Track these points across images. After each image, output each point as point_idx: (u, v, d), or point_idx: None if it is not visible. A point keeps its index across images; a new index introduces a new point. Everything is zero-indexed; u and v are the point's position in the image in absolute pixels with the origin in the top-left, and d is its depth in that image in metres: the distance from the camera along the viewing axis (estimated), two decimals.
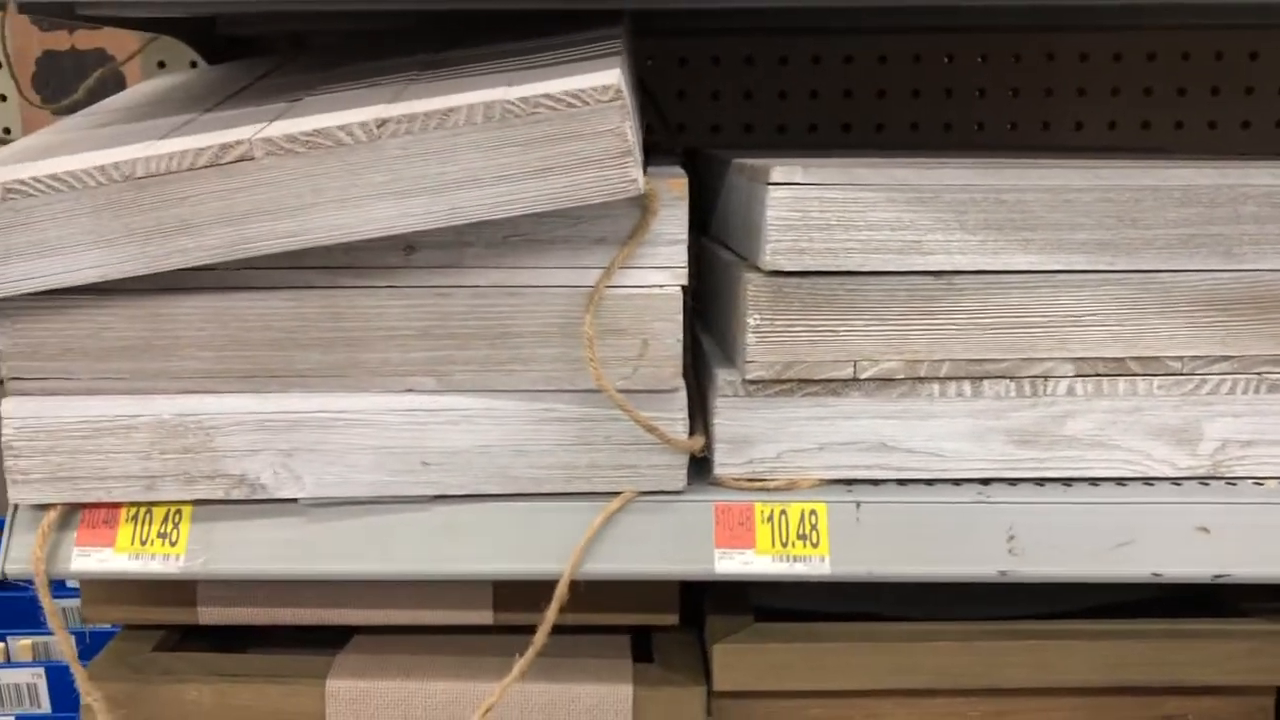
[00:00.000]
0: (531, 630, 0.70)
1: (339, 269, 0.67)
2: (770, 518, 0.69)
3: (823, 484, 0.71)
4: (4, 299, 0.66)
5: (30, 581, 0.68)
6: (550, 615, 0.68)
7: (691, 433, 0.70)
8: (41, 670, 0.87)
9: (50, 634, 0.93)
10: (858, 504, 0.69)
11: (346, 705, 0.75)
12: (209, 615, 0.78)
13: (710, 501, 0.70)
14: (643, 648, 0.81)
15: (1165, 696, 0.81)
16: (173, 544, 0.69)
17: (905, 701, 0.81)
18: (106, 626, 0.93)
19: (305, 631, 0.82)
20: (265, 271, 0.67)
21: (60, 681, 0.87)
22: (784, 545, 0.69)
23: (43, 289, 0.65)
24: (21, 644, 0.89)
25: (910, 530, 0.69)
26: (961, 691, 0.80)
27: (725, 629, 0.78)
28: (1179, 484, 0.71)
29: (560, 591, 0.68)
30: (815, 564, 0.68)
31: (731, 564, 0.68)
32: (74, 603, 0.87)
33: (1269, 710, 0.82)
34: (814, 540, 0.69)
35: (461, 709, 0.74)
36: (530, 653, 0.69)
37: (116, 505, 0.69)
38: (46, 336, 0.67)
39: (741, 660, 0.76)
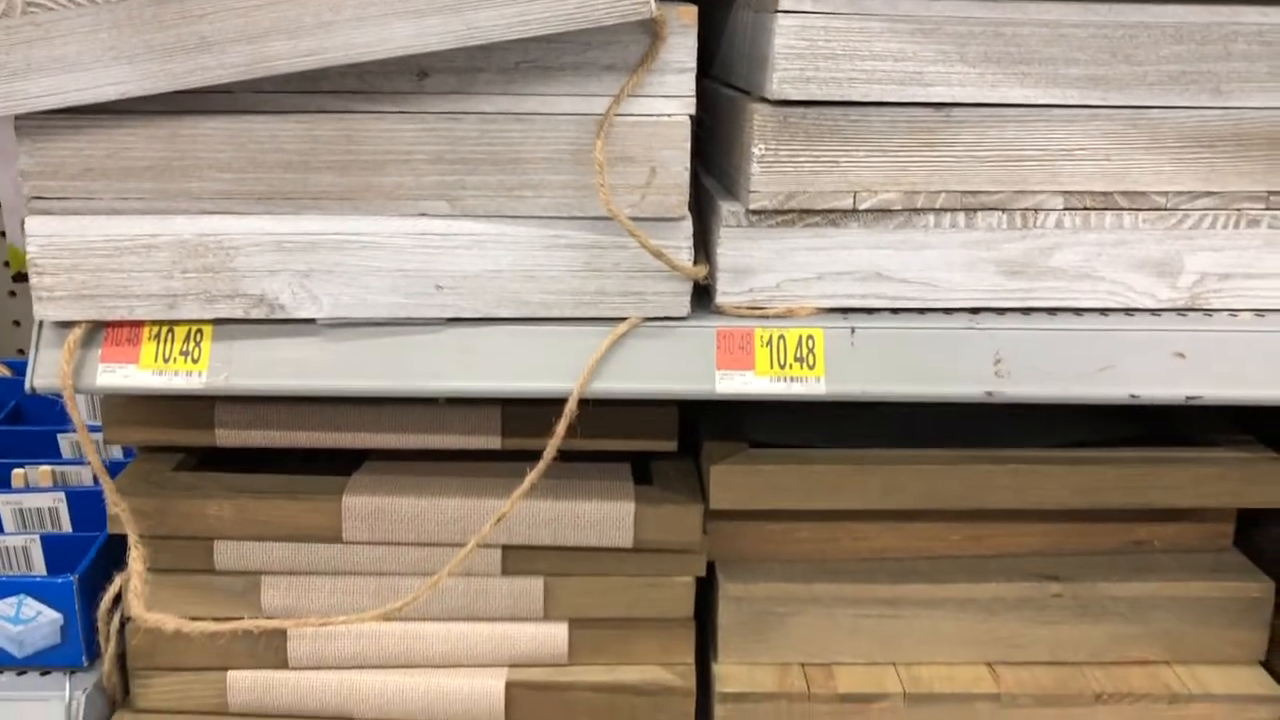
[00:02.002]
0: (538, 456, 0.73)
1: (351, 94, 0.69)
2: (769, 342, 0.72)
3: (820, 312, 0.74)
4: (25, 116, 0.67)
5: (58, 395, 0.71)
6: (560, 430, 0.72)
7: (694, 264, 0.73)
8: (62, 495, 0.90)
9: (68, 463, 0.96)
10: (852, 329, 0.72)
11: (362, 520, 0.79)
12: (226, 438, 0.81)
13: (712, 327, 0.73)
14: (643, 474, 0.85)
15: (1134, 523, 0.87)
16: (195, 361, 0.72)
17: (890, 525, 0.86)
18: (123, 460, 0.97)
19: (317, 461, 0.85)
20: (280, 95, 0.68)
21: (80, 505, 0.90)
22: (782, 367, 0.72)
23: (63, 106, 0.66)
24: (41, 470, 0.92)
25: (902, 353, 0.72)
26: (944, 515, 0.85)
27: (722, 453, 0.82)
28: (1158, 314, 0.74)
29: (569, 408, 0.71)
30: (811, 384, 0.72)
31: (732, 384, 0.72)
32: (95, 437, 0.90)
33: (1228, 535, 0.88)
34: (810, 363, 0.72)
35: (472, 524, 0.78)
36: (540, 465, 0.73)
37: (139, 323, 0.72)
38: (67, 156, 0.69)
39: (737, 480, 0.80)
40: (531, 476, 0.73)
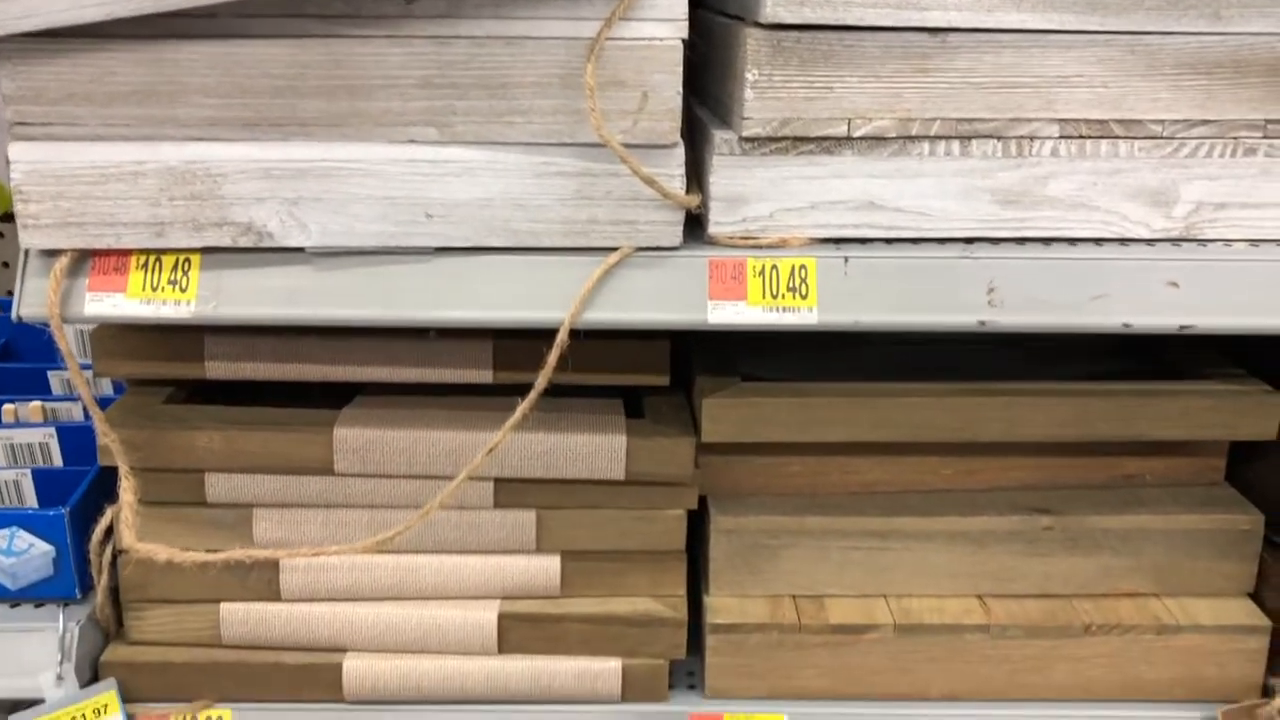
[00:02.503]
0: (529, 390, 0.73)
1: (338, 18, 0.68)
2: (762, 272, 0.72)
3: (813, 242, 0.73)
4: (6, 39, 0.66)
5: (45, 324, 0.70)
6: (551, 360, 0.71)
7: (686, 194, 0.72)
8: (53, 430, 0.90)
9: (59, 399, 0.96)
10: (845, 259, 0.72)
11: (353, 452, 0.79)
12: (216, 370, 0.81)
13: (704, 257, 0.72)
14: (635, 410, 0.85)
15: (1125, 458, 0.87)
16: (183, 290, 0.71)
17: (882, 459, 0.86)
18: (113, 396, 0.96)
19: (308, 397, 0.85)
20: (266, 20, 0.67)
21: (71, 441, 0.90)
22: (774, 297, 0.71)
23: (44, 28, 0.65)
24: (32, 406, 0.92)
25: (895, 283, 0.72)
26: (935, 449, 0.85)
27: (714, 387, 0.82)
28: (1152, 244, 0.74)
29: (561, 338, 0.71)
30: (804, 314, 0.71)
31: (724, 314, 0.71)
32: (86, 375, 0.90)
33: (1220, 470, 0.88)
34: (803, 292, 0.72)
35: (464, 456, 0.78)
36: (532, 395, 0.72)
37: (127, 252, 0.71)
38: (49, 80, 0.68)
39: (728, 413, 0.80)
40: (523, 406, 0.73)
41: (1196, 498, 0.85)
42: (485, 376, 0.82)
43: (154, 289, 0.71)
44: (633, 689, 0.82)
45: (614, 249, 0.72)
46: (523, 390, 0.74)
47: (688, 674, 0.86)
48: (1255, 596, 0.84)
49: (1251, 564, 0.84)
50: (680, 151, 0.71)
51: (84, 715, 0.80)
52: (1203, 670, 0.82)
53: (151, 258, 0.71)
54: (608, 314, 0.72)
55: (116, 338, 0.81)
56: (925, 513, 0.84)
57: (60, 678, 0.79)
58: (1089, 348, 0.95)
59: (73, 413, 0.94)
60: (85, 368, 0.83)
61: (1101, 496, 0.86)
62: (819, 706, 0.82)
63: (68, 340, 0.72)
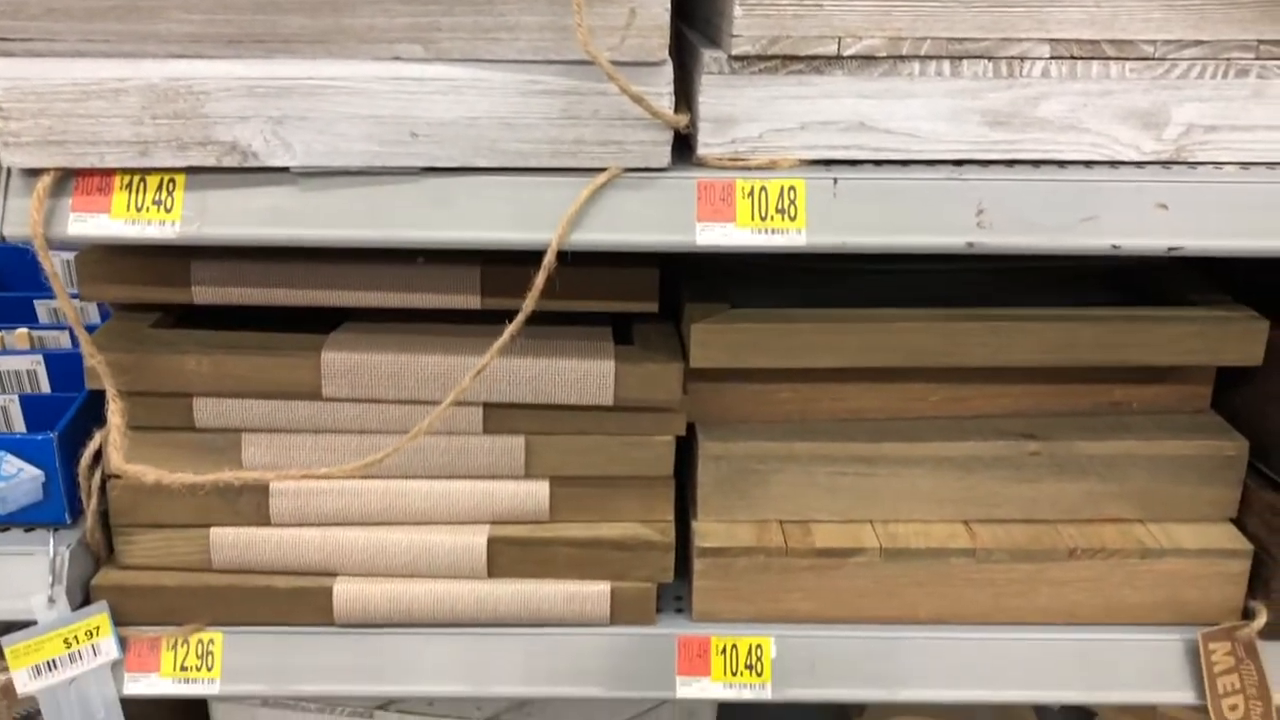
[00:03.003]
0: (518, 315, 0.73)
1: None
2: (750, 193, 0.71)
3: (802, 164, 0.73)
4: None
5: (29, 244, 0.70)
6: (539, 282, 0.71)
7: (675, 114, 0.71)
8: (40, 358, 0.89)
9: (46, 328, 0.96)
10: (835, 180, 0.71)
11: (341, 376, 0.79)
12: (203, 294, 0.80)
13: (693, 178, 0.72)
14: (624, 338, 0.85)
15: (1112, 384, 0.87)
16: (168, 210, 0.71)
17: (870, 386, 0.86)
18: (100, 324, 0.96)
19: (296, 325, 0.85)
20: None
21: (59, 368, 0.90)
22: (763, 219, 0.71)
23: None
24: (18, 334, 0.91)
25: (884, 205, 0.71)
26: (923, 375, 0.85)
27: (703, 313, 0.81)
28: (1143, 167, 0.74)
29: (548, 260, 0.71)
30: (792, 236, 0.71)
31: (712, 235, 0.71)
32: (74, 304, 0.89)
33: (1205, 397, 0.88)
34: (791, 214, 0.71)
35: (452, 380, 0.78)
36: (520, 317, 0.72)
37: (110, 172, 0.70)
38: None
39: (717, 338, 0.80)
40: (511, 328, 0.73)
41: (1182, 424, 0.86)
42: (473, 302, 0.81)
43: (138, 209, 0.71)
44: (621, 612, 0.83)
45: (602, 170, 0.71)
46: (511, 316, 0.74)
47: (675, 598, 0.87)
48: (1238, 522, 0.85)
49: (1235, 490, 0.84)
50: (668, 69, 0.70)
51: (76, 637, 0.80)
52: (1185, 594, 0.83)
53: (136, 178, 0.71)
54: (595, 235, 0.71)
55: (102, 262, 0.80)
56: (912, 438, 0.84)
57: (52, 600, 0.80)
58: (1078, 278, 0.95)
59: (60, 340, 0.93)
60: (73, 297, 0.83)
61: (1087, 423, 0.86)
62: (805, 629, 0.83)
63: (55, 270, 0.72)
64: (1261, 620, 0.81)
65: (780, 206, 0.71)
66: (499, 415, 0.81)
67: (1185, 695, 0.83)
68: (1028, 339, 0.81)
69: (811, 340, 0.80)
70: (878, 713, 1.13)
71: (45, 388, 0.90)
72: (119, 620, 0.82)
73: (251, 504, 0.82)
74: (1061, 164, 0.74)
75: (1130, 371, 0.86)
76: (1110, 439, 0.84)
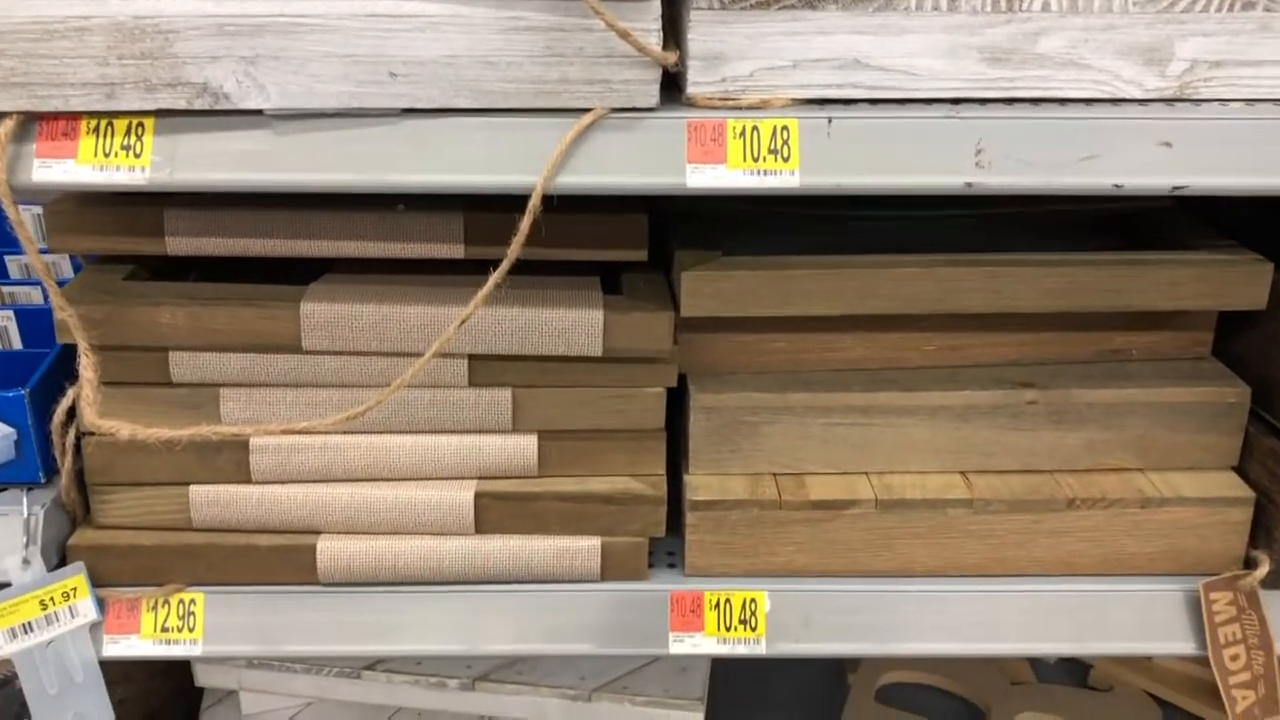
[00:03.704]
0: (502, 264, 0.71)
1: None
2: (742, 134, 0.69)
3: (795, 103, 0.70)
4: None
5: None
6: (524, 227, 0.69)
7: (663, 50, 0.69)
8: (11, 313, 0.87)
9: (17, 283, 0.93)
10: (829, 119, 0.69)
11: (321, 328, 0.77)
12: (177, 245, 0.78)
13: (682, 119, 0.69)
14: (612, 289, 0.83)
15: (1112, 331, 0.85)
16: (137, 156, 0.68)
17: (865, 335, 0.84)
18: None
19: (274, 277, 0.82)
20: None
21: (30, 324, 0.87)
22: (755, 160, 0.69)
23: None
24: None
25: (879, 144, 0.69)
26: (919, 324, 0.83)
27: (693, 261, 0.79)
28: (1145, 104, 0.71)
29: (533, 204, 0.68)
30: (785, 178, 0.69)
31: (703, 178, 0.69)
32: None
33: (1207, 344, 0.87)
34: (785, 155, 0.69)
35: (436, 332, 0.76)
36: (504, 264, 0.70)
37: (76, 116, 0.68)
38: None
39: (708, 286, 0.78)
40: (496, 274, 0.70)
41: (1183, 371, 0.84)
42: (456, 251, 0.79)
43: (106, 154, 0.68)
44: (612, 567, 0.81)
45: (587, 110, 0.69)
46: (496, 265, 0.71)
47: (667, 553, 0.85)
48: (1239, 470, 0.83)
49: (1237, 437, 0.83)
50: (656, 4, 0.67)
51: (53, 599, 0.78)
52: (1186, 543, 0.82)
53: (103, 121, 0.68)
54: (582, 178, 0.69)
55: (71, 212, 0.77)
56: (908, 388, 0.82)
57: (26, 561, 0.78)
58: (1074, 227, 0.93)
59: (31, 296, 0.91)
60: (43, 253, 0.80)
61: (1086, 371, 0.84)
62: (800, 583, 0.81)
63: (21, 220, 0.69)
64: (1264, 569, 0.80)
65: (773, 147, 0.69)
66: (485, 367, 0.79)
67: (1185, 646, 0.82)
68: (1026, 284, 0.79)
69: (806, 287, 0.78)
70: (872, 667, 1.13)
71: (17, 344, 0.88)
72: (97, 581, 0.80)
73: (231, 461, 0.80)
74: (1062, 102, 0.71)
75: (1130, 317, 0.84)
76: (1110, 387, 0.82)
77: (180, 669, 1.01)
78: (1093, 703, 1.09)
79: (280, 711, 0.97)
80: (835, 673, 1.15)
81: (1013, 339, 0.85)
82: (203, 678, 0.94)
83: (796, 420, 0.82)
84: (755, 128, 0.69)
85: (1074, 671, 1.14)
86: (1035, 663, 1.15)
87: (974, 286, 0.78)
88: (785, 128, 0.69)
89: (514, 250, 0.70)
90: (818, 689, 1.13)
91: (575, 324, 0.77)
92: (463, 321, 0.71)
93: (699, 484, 0.82)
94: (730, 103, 0.70)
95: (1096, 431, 0.83)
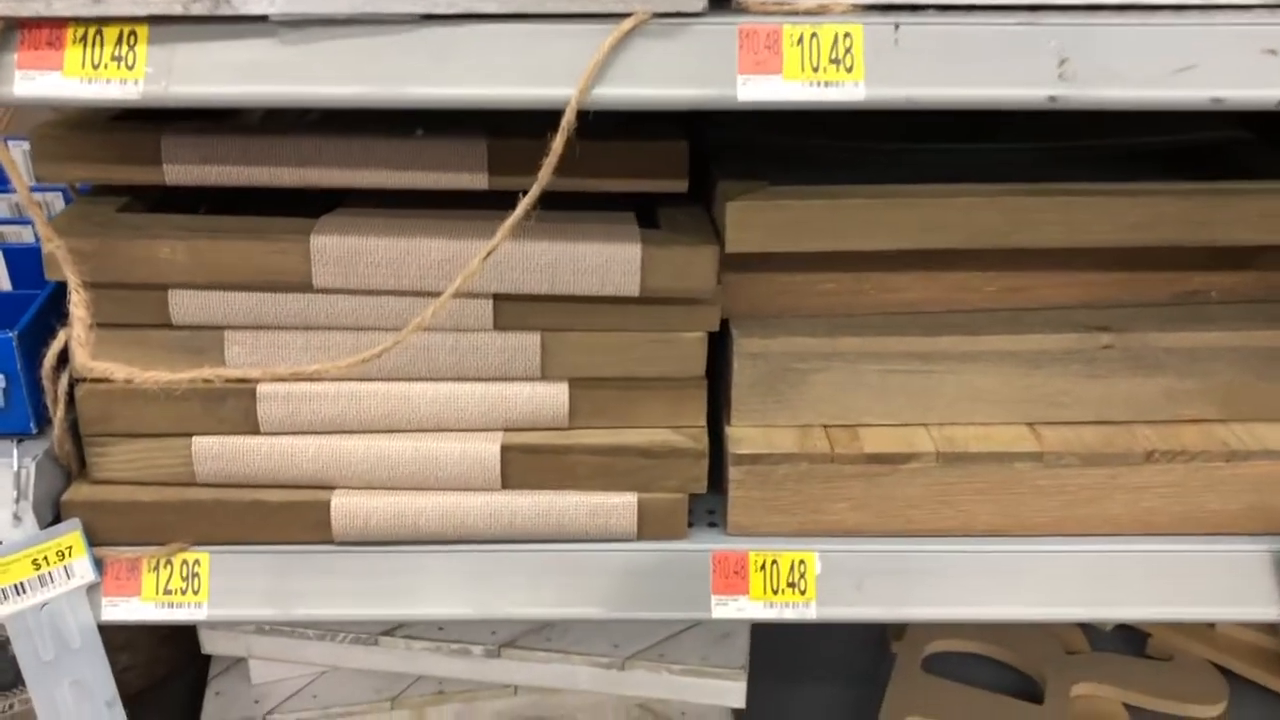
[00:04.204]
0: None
1: None
2: (800, 41, 0.62)
3: (857, 8, 0.63)
4: None
5: None
6: (557, 146, 0.62)
7: None
8: None
9: (5, 222, 0.87)
10: (896, 26, 0.62)
11: (334, 263, 0.70)
12: (176, 174, 0.71)
13: (733, 24, 0.62)
14: (648, 224, 0.76)
15: (1190, 271, 0.79)
16: (129, 67, 0.61)
17: (922, 276, 0.77)
18: None
19: (282, 212, 0.76)
20: None
21: (19, 264, 0.81)
22: (814, 70, 0.62)
23: None
24: None
25: (952, 53, 0.62)
26: (983, 262, 0.76)
27: (739, 190, 0.73)
28: (1248, 9, 0.64)
29: (568, 119, 0.62)
30: (849, 89, 0.62)
31: (757, 90, 0.62)
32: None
33: None
34: (848, 65, 0.62)
35: (458, 268, 0.69)
36: (534, 189, 0.63)
37: (61, 22, 0.61)
38: None
39: (757, 217, 0.71)
40: (526, 200, 0.64)
41: (1270, 314, 0.77)
42: (479, 181, 0.72)
43: (95, 66, 0.61)
44: (649, 525, 0.75)
45: (627, 15, 0.62)
46: (522, 198, 0.65)
47: (708, 511, 0.79)
48: None
49: None
50: None
51: (46, 558, 0.72)
52: (1272, 500, 0.75)
53: (91, 30, 0.61)
54: (621, 90, 0.62)
55: (60, 138, 0.71)
56: (971, 331, 0.75)
57: (17, 518, 0.72)
58: (1147, 160, 0.86)
59: (22, 235, 0.85)
60: (34, 190, 0.74)
61: (1165, 313, 0.77)
62: (852, 544, 0.75)
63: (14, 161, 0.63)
64: None
65: (834, 56, 0.62)
66: (511, 309, 0.73)
67: (1268, 610, 0.76)
68: (1105, 217, 0.72)
69: (864, 218, 0.71)
70: (918, 635, 1.07)
71: (6, 286, 0.82)
72: (94, 540, 0.74)
73: (237, 410, 0.73)
74: (1153, 8, 0.64)
75: (1212, 255, 0.77)
76: (1191, 329, 0.75)
77: (188, 635, 0.96)
78: (1153, 672, 1.03)
79: (292, 680, 0.91)
80: (877, 641, 1.09)
81: (1083, 279, 0.78)
82: (209, 644, 0.89)
83: (849, 367, 0.75)
84: (814, 34, 0.62)
85: (1131, 640, 1.08)
86: (1090, 630, 1.09)
87: (1048, 219, 0.72)
88: (848, 34, 0.62)
89: (545, 173, 0.63)
90: (859, 658, 1.07)
91: (610, 260, 0.71)
92: (489, 253, 0.65)
93: (743, 436, 0.76)
94: (786, 7, 0.63)
95: (1176, 379, 0.76)
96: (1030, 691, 1.03)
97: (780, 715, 1.00)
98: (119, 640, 0.97)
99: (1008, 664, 1.06)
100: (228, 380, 0.70)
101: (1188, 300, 0.79)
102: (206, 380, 0.69)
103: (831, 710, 1.01)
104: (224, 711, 0.88)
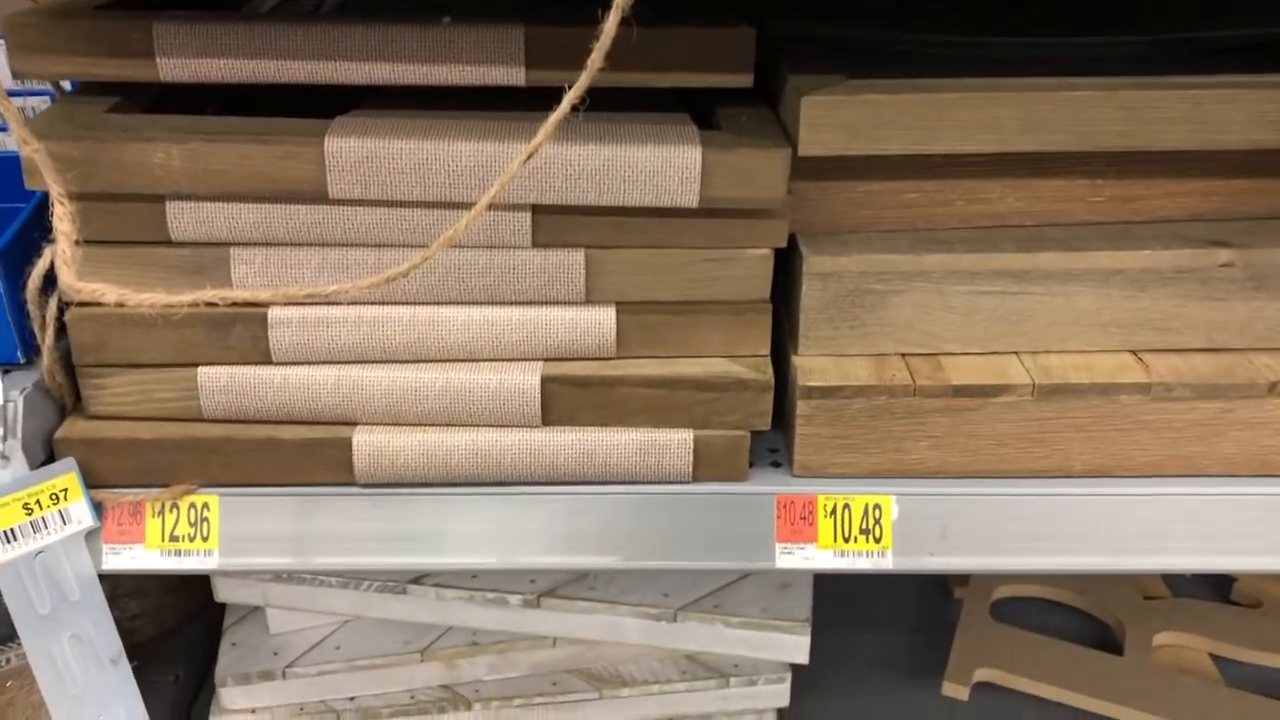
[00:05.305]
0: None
1: None
2: None
3: None
4: None
5: None
6: (609, 27, 0.53)
7: None
8: None
9: None
10: None
11: (351, 171, 0.62)
12: (171, 70, 0.63)
13: None
14: (706, 126, 0.67)
15: None
16: None
17: (1020, 184, 0.68)
18: None
19: (295, 112, 0.67)
20: None
21: (3, 173, 0.73)
22: None
23: None
24: None
25: None
26: (1089, 166, 0.67)
27: (814, 85, 0.63)
28: None
29: None
30: None
31: None
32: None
33: None
34: None
35: (492, 176, 0.61)
36: (584, 77, 0.54)
37: None
38: None
39: (835, 115, 0.62)
40: (572, 93, 0.55)
41: None
42: (516, 76, 0.63)
43: None
44: (706, 466, 0.67)
45: None
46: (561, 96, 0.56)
47: (769, 450, 0.71)
48: None
49: None
50: None
51: (39, 502, 0.65)
52: None
53: None
54: None
55: (39, 27, 0.62)
56: (1072, 247, 0.67)
57: (5, 457, 0.64)
58: (1265, 53, 0.76)
59: (5, 144, 0.76)
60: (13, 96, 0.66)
61: None
62: (935, 486, 0.67)
63: None
64: None
65: None
66: (552, 223, 0.64)
67: None
68: (1238, 113, 0.62)
69: (957, 116, 0.62)
70: (985, 581, 0.99)
71: None
72: (91, 481, 0.66)
73: (247, 337, 0.66)
74: None
75: None
76: None
77: (201, 582, 0.89)
78: (1240, 620, 0.96)
79: (312, 630, 0.85)
80: (938, 587, 1.02)
81: (1202, 186, 0.69)
82: (223, 592, 0.82)
83: (933, 288, 0.67)
84: None
85: (1214, 585, 1.01)
86: (1169, 575, 1.01)
87: (1172, 115, 0.62)
88: None
89: (596, 57, 0.54)
90: (920, 605, 1.00)
91: (666, 166, 0.62)
92: (530, 155, 0.56)
93: (812, 367, 0.67)
94: None
95: None
96: (1106, 640, 0.96)
97: (837, 666, 0.94)
98: (126, 587, 0.91)
99: (1082, 610, 0.98)
100: (233, 303, 0.62)
101: None
102: (209, 303, 0.61)
103: (892, 661, 0.95)
104: (240, 664, 0.82)
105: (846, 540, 0.67)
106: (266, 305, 0.64)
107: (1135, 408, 0.66)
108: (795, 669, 0.85)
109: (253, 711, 0.82)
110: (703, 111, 0.69)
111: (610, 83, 0.59)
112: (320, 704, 0.82)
